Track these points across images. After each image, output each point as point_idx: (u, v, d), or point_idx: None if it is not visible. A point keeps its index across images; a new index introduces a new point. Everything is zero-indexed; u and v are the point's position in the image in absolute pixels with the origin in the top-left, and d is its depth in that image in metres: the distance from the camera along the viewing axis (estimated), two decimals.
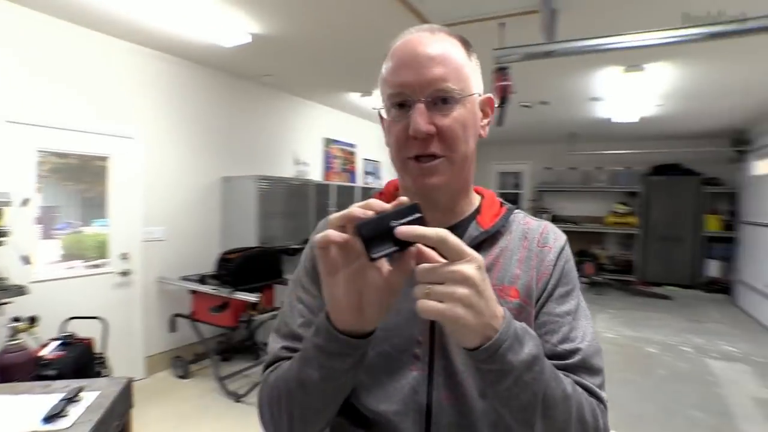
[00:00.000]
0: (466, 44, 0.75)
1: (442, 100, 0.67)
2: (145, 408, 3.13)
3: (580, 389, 0.66)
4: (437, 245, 0.54)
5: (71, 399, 1.31)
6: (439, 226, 0.55)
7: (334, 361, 0.61)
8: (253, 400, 3.33)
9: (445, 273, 0.53)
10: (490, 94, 0.77)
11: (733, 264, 6.82)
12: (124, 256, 3.52)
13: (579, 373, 0.68)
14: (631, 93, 4.76)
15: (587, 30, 2.84)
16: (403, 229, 0.53)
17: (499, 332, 0.56)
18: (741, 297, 6.34)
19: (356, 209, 0.55)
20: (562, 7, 2.74)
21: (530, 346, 0.59)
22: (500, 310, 0.57)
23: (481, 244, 0.74)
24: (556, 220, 8.50)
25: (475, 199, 0.81)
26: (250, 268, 3.54)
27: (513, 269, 0.74)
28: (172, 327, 3.77)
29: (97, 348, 2.62)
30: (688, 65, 3.82)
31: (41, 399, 1.33)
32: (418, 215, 0.54)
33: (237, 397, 3.36)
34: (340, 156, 6.00)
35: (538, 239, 0.77)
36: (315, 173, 5.56)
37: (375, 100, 5.26)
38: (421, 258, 0.56)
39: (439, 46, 0.69)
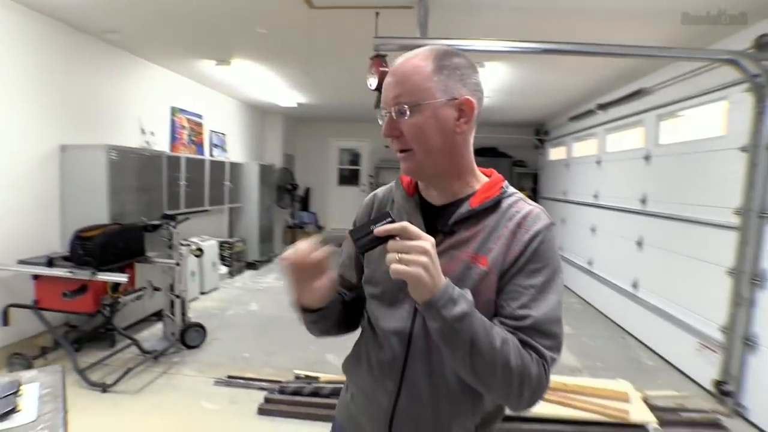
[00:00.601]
0: (440, 58, 0.89)
1: (399, 112, 0.89)
2: None
3: (513, 343, 0.81)
4: (401, 233, 0.77)
5: (15, 393, 1.22)
6: (439, 203, 0.95)
7: (309, 324, 1.03)
8: (123, 388, 3.13)
9: (411, 246, 0.76)
10: (467, 97, 0.89)
11: None
12: None
13: (530, 334, 0.83)
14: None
15: (454, 30, 3.30)
16: (378, 229, 0.78)
17: (437, 294, 0.77)
18: None
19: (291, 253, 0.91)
20: (433, 6, 3.12)
21: (462, 306, 0.78)
22: (443, 279, 0.79)
23: (466, 220, 0.91)
24: None
25: (477, 183, 0.97)
26: (112, 247, 3.24)
27: (490, 244, 0.89)
28: (5, 320, 3.25)
29: None
30: (516, 67, 4.65)
31: None
32: (389, 219, 0.79)
33: (104, 387, 3.08)
34: (187, 126, 5.63)
35: (520, 221, 0.90)
36: (161, 144, 5.14)
37: (233, 71, 5.09)
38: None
39: (401, 71, 0.90)
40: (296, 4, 3.26)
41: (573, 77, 4.96)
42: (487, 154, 8.88)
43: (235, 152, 6.95)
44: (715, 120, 3.64)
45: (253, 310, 5.09)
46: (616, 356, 4.10)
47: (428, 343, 0.91)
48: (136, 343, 3.68)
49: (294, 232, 8.16)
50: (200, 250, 4.28)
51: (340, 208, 9.71)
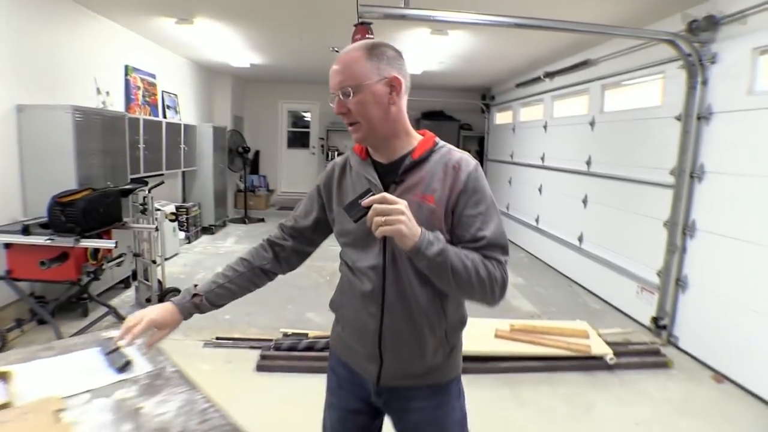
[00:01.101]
0: (371, 48, 1.11)
1: (344, 93, 1.09)
2: None
3: (478, 260, 1.07)
4: (382, 201, 0.98)
5: (117, 349, 1.29)
6: (386, 161, 1.16)
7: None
8: None
9: (390, 209, 0.98)
10: (395, 74, 1.11)
11: None
12: None
13: (488, 249, 1.10)
14: (431, 52, 5.68)
15: (429, 1, 3.41)
16: (365, 201, 0.99)
17: (418, 241, 1.00)
18: None
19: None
20: None
21: (438, 245, 1.03)
22: (419, 229, 1.02)
23: (411, 169, 1.15)
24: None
25: (414, 141, 1.19)
26: (95, 212, 3.14)
27: (433, 185, 1.12)
28: None
29: None
30: (476, 36, 4.86)
31: (71, 358, 1.29)
32: (370, 192, 1.01)
33: None
34: (141, 87, 5.34)
35: (454, 165, 1.14)
36: (117, 105, 4.87)
37: (195, 30, 4.87)
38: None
39: (343, 62, 1.10)
40: None
41: (523, 46, 5.26)
42: (434, 118, 9.15)
43: (187, 114, 6.67)
44: (653, 91, 4.11)
45: None
46: (567, 302, 4.65)
47: (397, 273, 1.16)
48: (114, 310, 3.64)
49: (245, 196, 8.04)
50: (174, 214, 4.21)
51: (290, 171, 9.65)
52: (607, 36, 4.44)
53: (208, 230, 6.78)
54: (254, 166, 9.16)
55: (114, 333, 1.24)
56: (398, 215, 0.98)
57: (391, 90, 1.11)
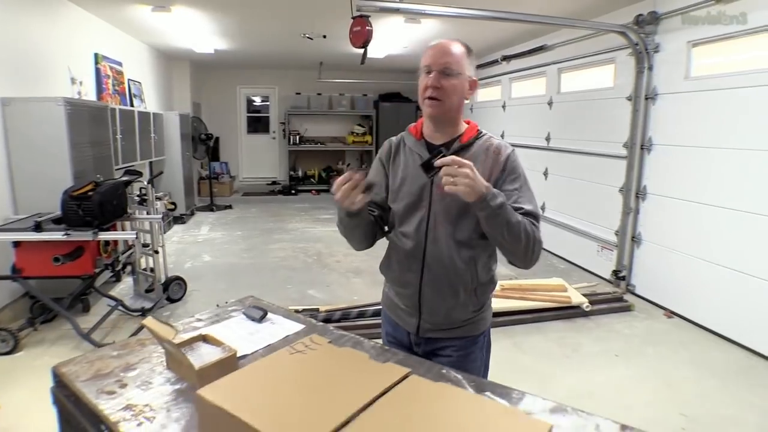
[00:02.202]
0: (469, 50, 1.34)
1: (445, 72, 1.28)
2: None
3: (526, 220, 1.25)
4: (453, 162, 1.14)
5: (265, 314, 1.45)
6: (438, 142, 1.35)
7: (348, 222, 1.35)
8: None
9: (459, 171, 1.13)
10: (475, 78, 1.35)
11: None
12: None
13: (526, 218, 1.27)
14: (399, 38, 5.93)
15: None
16: (438, 162, 1.16)
17: (484, 193, 1.16)
18: None
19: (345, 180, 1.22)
20: None
21: (500, 199, 1.19)
22: (485, 184, 1.17)
23: (459, 151, 1.33)
24: (304, 140, 9.51)
25: (462, 128, 1.40)
26: (109, 205, 3.19)
27: (477, 166, 1.23)
28: None
29: None
30: (444, 23, 5.19)
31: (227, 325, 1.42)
32: (442, 153, 1.19)
33: None
34: (110, 75, 5.20)
35: (494, 149, 1.34)
36: (89, 95, 4.75)
37: (171, 17, 4.82)
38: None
39: (450, 46, 1.30)
40: None
41: (485, 32, 5.63)
42: (392, 99, 9.45)
43: (150, 102, 6.52)
44: (606, 75, 4.67)
45: (208, 261, 5.19)
46: (537, 265, 5.17)
47: (436, 236, 1.35)
48: (121, 303, 3.69)
49: (210, 183, 7.97)
50: (173, 203, 4.25)
51: (252, 156, 9.60)
52: (553, 24, 4.93)
53: (179, 220, 6.72)
54: (215, 153, 9.04)
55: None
56: (464, 178, 1.13)
57: (470, 87, 1.35)
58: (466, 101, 1.37)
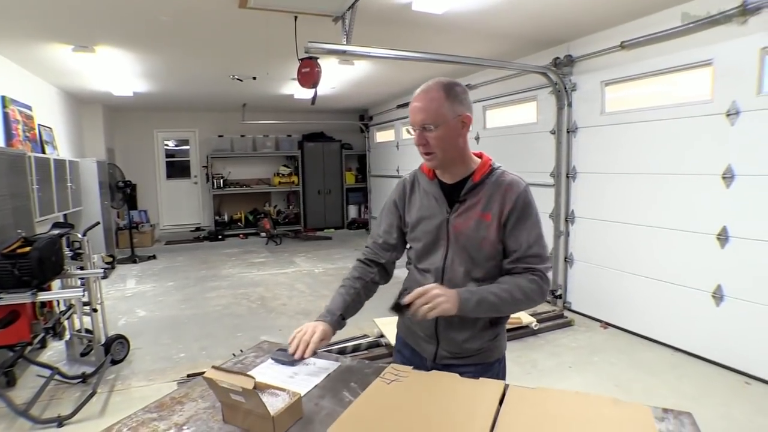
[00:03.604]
0: (448, 90, 1.31)
1: (425, 129, 1.31)
2: None
3: (513, 285, 1.29)
4: (419, 295, 1.23)
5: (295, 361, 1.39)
6: (450, 182, 1.39)
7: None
8: (79, 417, 2.80)
9: (429, 296, 1.22)
10: (467, 113, 1.33)
11: (366, 206, 9.68)
12: None
13: (531, 260, 1.32)
14: (330, 78, 6.09)
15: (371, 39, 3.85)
16: (406, 300, 1.24)
17: (459, 306, 1.24)
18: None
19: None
20: (355, 20, 3.64)
21: (474, 296, 1.26)
22: (455, 295, 1.25)
23: (472, 190, 1.36)
24: (228, 184, 9.24)
25: (474, 164, 1.39)
26: (48, 262, 2.87)
27: (490, 204, 1.33)
28: None
29: None
30: (375, 65, 5.45)
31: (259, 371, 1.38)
32: (406, 291, 1.34)
33: (60, 421, 2.73)
34: (20, 120, 4.73)
35: (506, 187, 1.34)
36: None
37: (98, 59, 4.56)
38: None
39: (426, 100, 1.30)
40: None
41: (411, 73, 5.99)
42: (315, 139, 9.55)
43: (62, 149, 5.98)
44: (529, 111, 5.17)
45: (144, 316, 4.79)
46: None
47: (453, 272, 1.40)
48: (57, 371, 3.27)
49: (131, 233, 7.39)
50: (112, 257, 3.90)
51: (172, 202, 9.09)
52: (485, 66, 5.41)
53: None
54: (132, 201, 8.43)
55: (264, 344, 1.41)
56: (436, 298, 1.22)
57: (462, 126, 1.33)
58: (462, 138, 1.34)
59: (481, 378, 0.97)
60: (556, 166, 4.64)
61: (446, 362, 1.44)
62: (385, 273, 1.57)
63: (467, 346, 1.41)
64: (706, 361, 3.47)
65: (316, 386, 1.25)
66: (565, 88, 4.46)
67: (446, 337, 1.42)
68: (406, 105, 7.57)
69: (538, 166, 4.91)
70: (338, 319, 1.42)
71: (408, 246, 1.55)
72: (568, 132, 4.53)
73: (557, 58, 4.51)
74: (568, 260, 4.66)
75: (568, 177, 4.58)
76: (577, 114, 4.46)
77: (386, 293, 1.60)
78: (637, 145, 3.88)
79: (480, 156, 1.44)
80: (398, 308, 1.27)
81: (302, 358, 1.34)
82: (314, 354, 1.35)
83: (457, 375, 0.99)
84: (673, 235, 3.63)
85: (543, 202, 4.83)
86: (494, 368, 1.47)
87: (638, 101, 3.98)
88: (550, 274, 1.38)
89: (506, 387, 0.94)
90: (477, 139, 5.92)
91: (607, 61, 4.09)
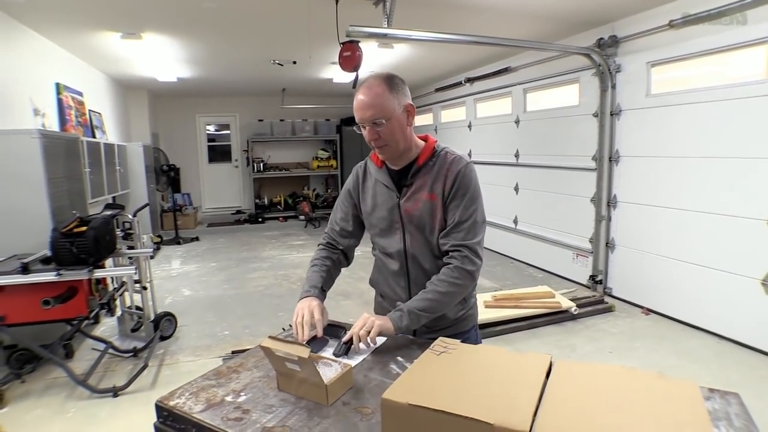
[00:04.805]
0: (389, 82, 1.35)
1: (375, 124, 1.34)
2: None
3: (437, 285, 1.37)
4: (355, 330, 1.29)
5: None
6: (397, 168, 1.44)
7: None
8: (133, 388, 2.97)
9: (363, 325, 1.29)
10: (409, 102, 1.39)
11: None
12: None
13: (458, 235, 1.38)
14: (369, 63, 6.07)
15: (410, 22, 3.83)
16: (345, 339, 1.30)
17: (394, 326, 1.32)
18: None
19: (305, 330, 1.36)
20: (396, 2, 3.61)
21: (405, 315, 1.33)
22: (387, 320, 1.32)
23: (418, 172, 1.42)
24: (268, 167, 9.43)
25: (418, 149, 1.45)
26: (103, 241, 3.05)
27: (435, 184, 1.39)
28: None
29: None
30: (414, 48, 5.41)
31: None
32: (344, 330, 1.37)
33: (115, 392, 2.91)
34: (73, 106, 4.98)
35: (448, 167, 1.40)
36: (52, 127, 4.52)
37: (141, 44, 4.73)
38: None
39: (369, 95, 1.33)
40: None
41: (451, 56, 5.94)
42: (354, 123, 9.51)
43: (110, 134, 6.26)
44: (570, 94, 5.03)
45: (189, 295, 5.00)
46: (516, 275, 5.43)
47: (414, 252, 1.46)
48: (111, 345, 3.49)
49: (174, 216, 7.69)
50: (159, 237, 4.08)
51: (214, 186, 9.37)
52: (526, 48, 5.28)
53: None
54: (176, 184, 8.75)
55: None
56: (370, 326, 1.29)
57: (408, 115, 1.39)
58: (409, 127, 1.41)
59: (528, 352, 0.99)
60: (599, 150, 4.52)
61: (426, 337, 1.44)
62: (345, 258, 1.65)
63: (443, 319, 1.48)
64: (752, 349, 3.36)
65: (364, 359, 1.31)
66: (609, 70, 4.31)
67: None
68: (443, 89, 7.49)
69: (579, 150, 4.79)
70: (321, 291, 1.51)
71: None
72: (611, 115, 4.39)
73: (601, 38, 4.35)
74: (609, 245, 4.56)
75: (610, 161, 4.45)
76: (621, 96, 4.31)
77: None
78: (684, 128, 3.73)
79: (425, 139, 1.49)
80: (344, 349, 1.30)
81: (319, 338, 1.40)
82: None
83: (505, 349, 1.01)
84: (720, 220, 3.49)
85: (583, 186, 4.73)
86: (471, 335, 1.58)
87: (686, 83, 3.81)
88: (479, 250, 1.40)
89: (552, 361, 0.96)
90: (517, 122, 5.81)
91: (654, 41, 3.92)
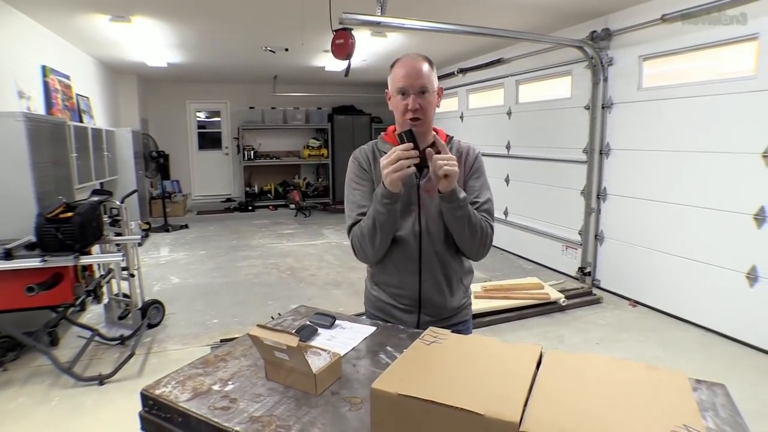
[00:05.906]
0: (430, 62, 1.43)
1: (422, 93, 1.39)
2: None
3: (480, 216, 1.41)
4: (442, 149, 1.31)
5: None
6: (422, 145, 1.34)
7: (390, 205, 1.34)
8: (119, 376, 2.95)
9: (449, 157, 1.29)
10: (440, 86, 1.47)
11: None
12: None
13: (481, 212, 1.44)
14: (361, 51, 6.01)
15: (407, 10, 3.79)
16: (428, 151, 1.29)
17: (454, 187, 1.31)
18: None
19: (403, 154, 1.26)
20: None
21: (464, 193, 1.35)
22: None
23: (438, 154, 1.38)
24: (259, 155, 9.34)
25: (433, 134, 1.47)
26: (90, 227, 3.00)
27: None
28: None
29: None
30: (407, 37, 5.36)
31: None
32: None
33: (101, 380, 2.89)
34: (59, 89, 4.87)
35: (466, 151, 1.51)
36: (38, 110, 4.42)
37: (134, 29, 4.63)
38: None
39: (420, 67, 1.39)
40: None
41: (443, 46, 5.89)
42: (345, 112, 9.52)
43: (98, 118, 6.15)
44: (563, 86, 5.03)
45: (178, 283, 4.96)
46: (506, 266, 5.46)
47: (430, 235, 1.46)
48: (97, 332, 3.45)
49: (163, 203, 7.60)
50: (148, 224, 4.03)
51: (204, 173, 9.28)
52: (520, 39, 5.26)
53: None
54: (165, 171, 8.64)
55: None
56: (453, 160, 1.30)
57: (438, 96, 1.47)
58: (436, 107, 1.48)
59: (518, 342, 0.99)
60: (590, 143, 4.53)
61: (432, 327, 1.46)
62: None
63: (449, 307, 1.52)
64: (736, 341, 3.42)
65: (353, 348, 1.30)
66: (602, 63, 4.31)
67: (429, 302, 1.50)
68: (439, 78, 7.42)
69: (570, 142, 4.80)
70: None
71: None
72: (603, 107, 4.39)
73: (594, 31, 4.35)
74: (598, 238, 4.59)
75: (601, 153, 4.47)
76: (613, 89, 4.32)
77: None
78: (674, 121, 3.74)
79: (436, 130, 1.53)
80: (410, 137, 1.28)
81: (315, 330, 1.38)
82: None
83: (495, 339, 1.01)
84: (708, 214, 3.53)
85: (574, 178, 4.75)
86: (469, 324, 1.63)
87: (677, 77, 3.82)
88: (493, 227, 1.47)
89: (543, 351, 0.96)
90: (509, 113, 5.80)
91: (647, 35, 3.92)
